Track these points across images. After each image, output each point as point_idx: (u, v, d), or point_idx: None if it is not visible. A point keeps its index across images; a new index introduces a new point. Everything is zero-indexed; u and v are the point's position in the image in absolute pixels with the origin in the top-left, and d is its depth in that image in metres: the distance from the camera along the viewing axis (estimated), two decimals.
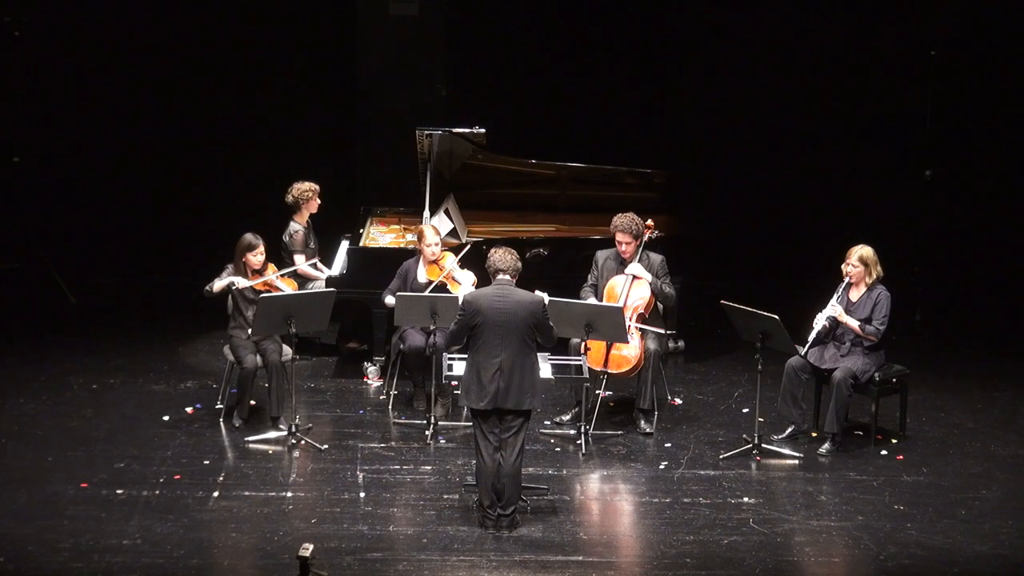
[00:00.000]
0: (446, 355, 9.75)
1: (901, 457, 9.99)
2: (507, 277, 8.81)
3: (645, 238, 10.43)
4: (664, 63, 14.19)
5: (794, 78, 13.90)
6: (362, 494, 9.21)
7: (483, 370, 8.64)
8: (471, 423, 8.98)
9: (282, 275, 10.58)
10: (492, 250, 8.95)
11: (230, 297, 10.34)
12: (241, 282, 10.20)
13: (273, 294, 10.13)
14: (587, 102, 14.09)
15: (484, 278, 9.25)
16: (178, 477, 9.38)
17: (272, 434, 10.05)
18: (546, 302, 9.20)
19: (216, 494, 9.15)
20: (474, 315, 8.65)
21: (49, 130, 13.84)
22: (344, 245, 11.88)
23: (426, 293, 10.33)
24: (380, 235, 12.08)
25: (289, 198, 11.42)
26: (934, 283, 13.26)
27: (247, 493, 9.19)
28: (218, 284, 10.21)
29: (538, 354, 8.88)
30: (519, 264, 8.89)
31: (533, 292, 9.12)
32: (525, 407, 8.69)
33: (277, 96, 14.10)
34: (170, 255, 13.67)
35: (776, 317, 9.67)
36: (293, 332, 9.81)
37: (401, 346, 10.54)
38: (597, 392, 10.23)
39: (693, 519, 8.94)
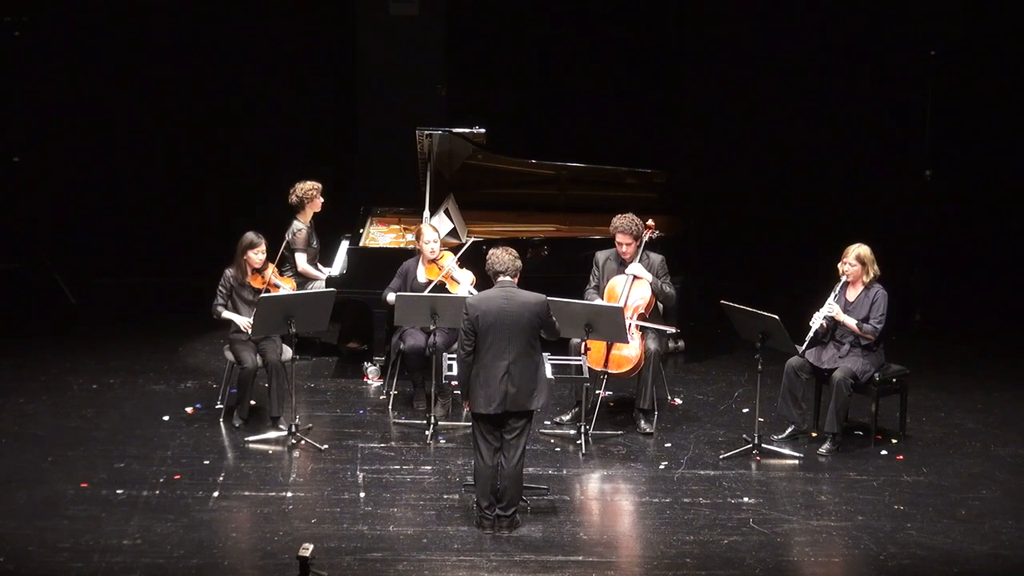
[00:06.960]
0: (446, 355, 9.74)
1: (901, 457, 9.99)
2: (508, 278, 8.72)
3: (645, 238, 10.43)
4: (664, 63, 14.19)
5: (794, 78, 13.89)
6: (362, 494, 9.21)
7: (490, 374, 8.55)
8: (471, 423, 8.94)
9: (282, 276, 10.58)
10: (490, 251, 8.83)
11: (229, 302, 10.32)
12: (242, 321, 10.15)
13: (273, 294, 10.13)
14: (587, 102, 14.08)
15: (483, 278, 9.21)
16: (178, 477, 9.38)
17: (272, 434, 10.04)
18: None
19: (216, 494, 9.15)
20: (479, 319, 8.54)
21: (49, 130, 13.84)
22: (344, 245, 11.88)
23: (426, 293, 10.33)
24: (380, 235, 12.07)
25: (293, 198, 11.41)
26: (934, 283, 13.25)
27: (247, 493, 9.19)
28: (226, 315, 10.20)
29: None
30: (519, 263, 8.78)
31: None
32: (532, 407, 8.66)
33: (277, 96, 14.08)
34: (170, 255, 13.67)
35: (776, 317, 9.67)
36: (293, 332, 9.81)
37: (401, 346, 10.54)
38: (597, 392, 10.22)
39: (693, 519, 8.94)
